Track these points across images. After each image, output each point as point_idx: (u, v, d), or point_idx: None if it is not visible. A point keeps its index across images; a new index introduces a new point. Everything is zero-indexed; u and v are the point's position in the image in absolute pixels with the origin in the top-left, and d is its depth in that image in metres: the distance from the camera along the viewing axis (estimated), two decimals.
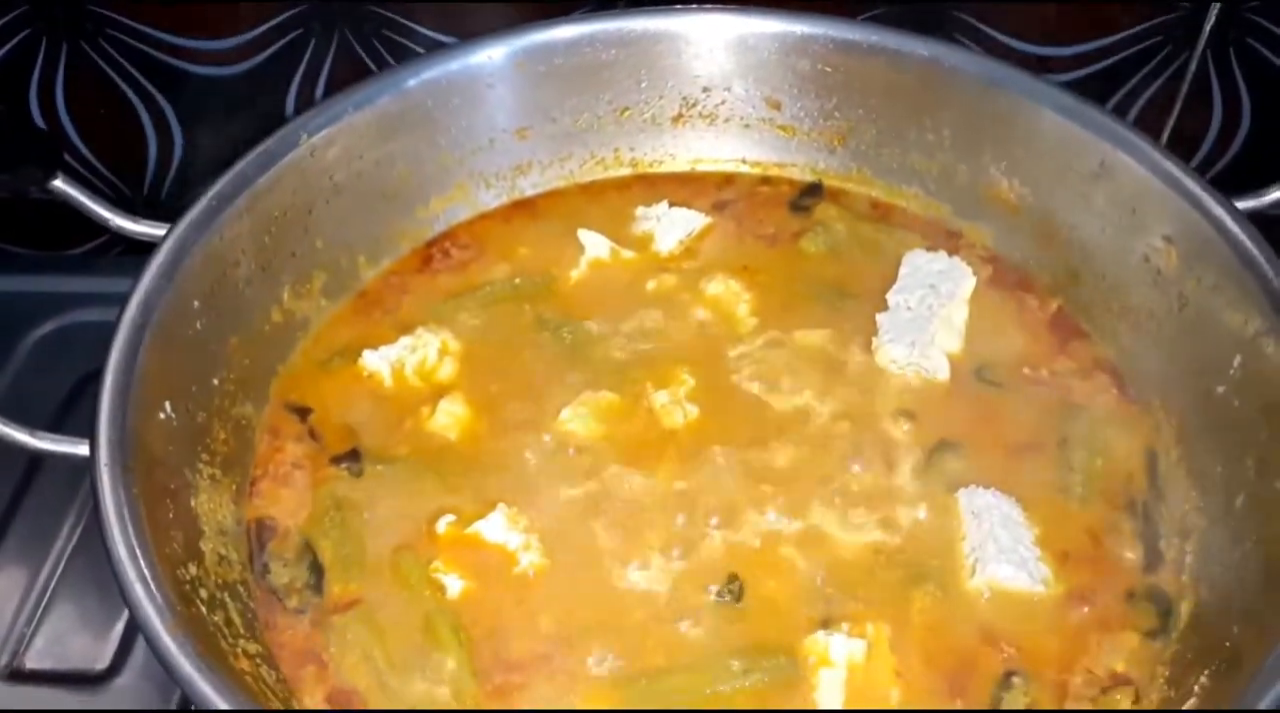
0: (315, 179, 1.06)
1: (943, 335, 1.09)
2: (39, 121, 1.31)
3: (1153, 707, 0.86)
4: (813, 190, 1.24)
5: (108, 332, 0.88)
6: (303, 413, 1.03)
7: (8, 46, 1.25)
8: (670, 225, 1.19)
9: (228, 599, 0.86)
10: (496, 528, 0.93)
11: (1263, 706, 0.71)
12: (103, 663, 1.00)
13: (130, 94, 1.30)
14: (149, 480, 0.83)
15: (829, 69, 1.19)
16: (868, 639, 0.88)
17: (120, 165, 1.37)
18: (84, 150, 1.35)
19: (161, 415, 0.88)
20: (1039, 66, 1.28)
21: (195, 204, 0.98)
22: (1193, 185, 1.03)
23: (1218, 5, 1.26)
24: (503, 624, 0.90)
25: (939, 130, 1.18)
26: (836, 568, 0.93)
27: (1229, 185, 1.04)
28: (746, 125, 1.25)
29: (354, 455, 0.99)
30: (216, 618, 0.83)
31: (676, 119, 1.24)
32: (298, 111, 1.09)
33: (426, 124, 1.13)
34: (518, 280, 1.14)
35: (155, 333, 0.89)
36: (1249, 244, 0.98)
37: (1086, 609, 0.92)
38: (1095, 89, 1.31)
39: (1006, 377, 1.07)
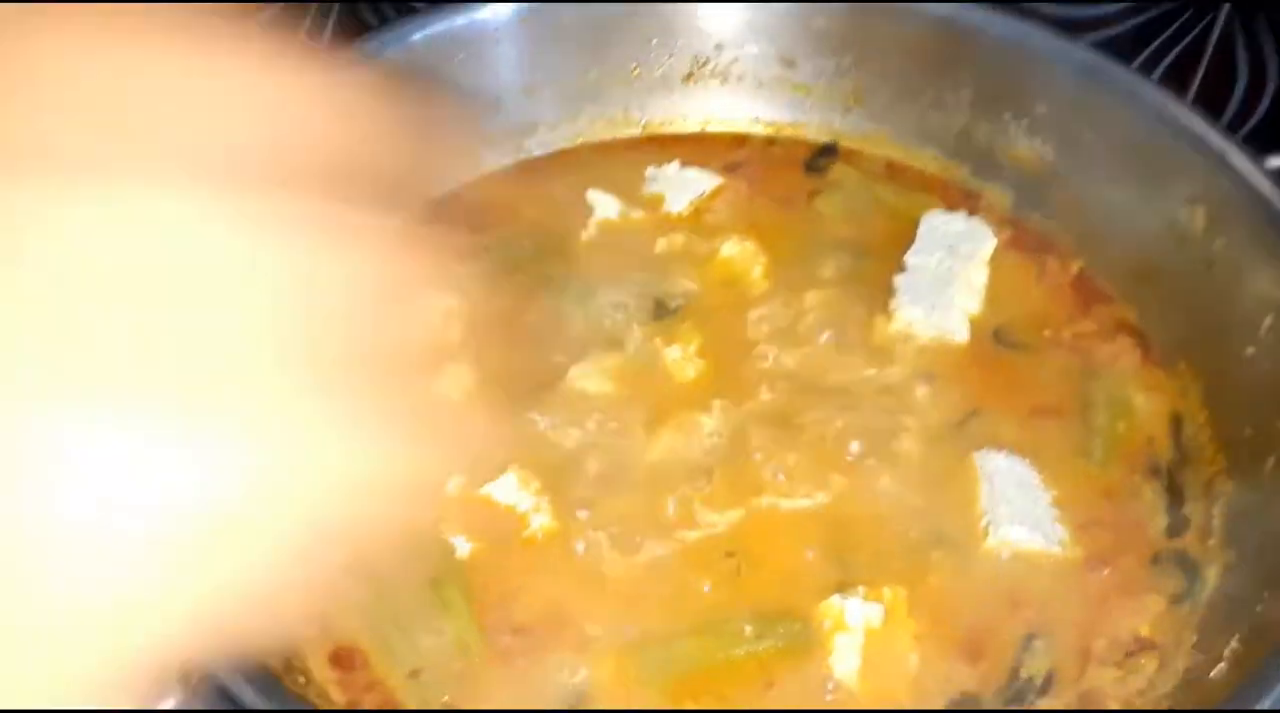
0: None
1: (962, 297, 1.07)
2: None
3: (1179, 670, 0.83)
4: (827, 151, 1.22)
5: None
6: None
7: None
8: (681, 186, 1.16)
9: None
10: (508, 490, 0.91)
11: None
12: None
13: None
14: None
15: (845, 26, 1.17)
16: (885, 603, 0.86)
17: None
18: None
19: None
20: (1061, 28, 1.25)
21: None
22: (1220, 143, 1.00)
23: None
24: (511, 587, 0.88)
25: (957, 90, 1.16)
26: (851, 530, 0.91)
27: (1257, 147, 1.02)
28: (760, 84, 1.22)
29: None
30: None
31: (688, 78, 1.22)
32: None
33: (431, 81, 1.10)
34: (525, 242, 1.11)
35: None
36: (1278, 202, 0.95)
37: (1109, 573, 0.90)
38: (1119, 50, 1.28)
39: (1027, 339, 1.05)
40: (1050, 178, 1.13)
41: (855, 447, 0.96)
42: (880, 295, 1.07)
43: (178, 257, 0.29)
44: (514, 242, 1.12)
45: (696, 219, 1.14)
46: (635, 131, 1.23)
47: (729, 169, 1.19)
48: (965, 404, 1.00)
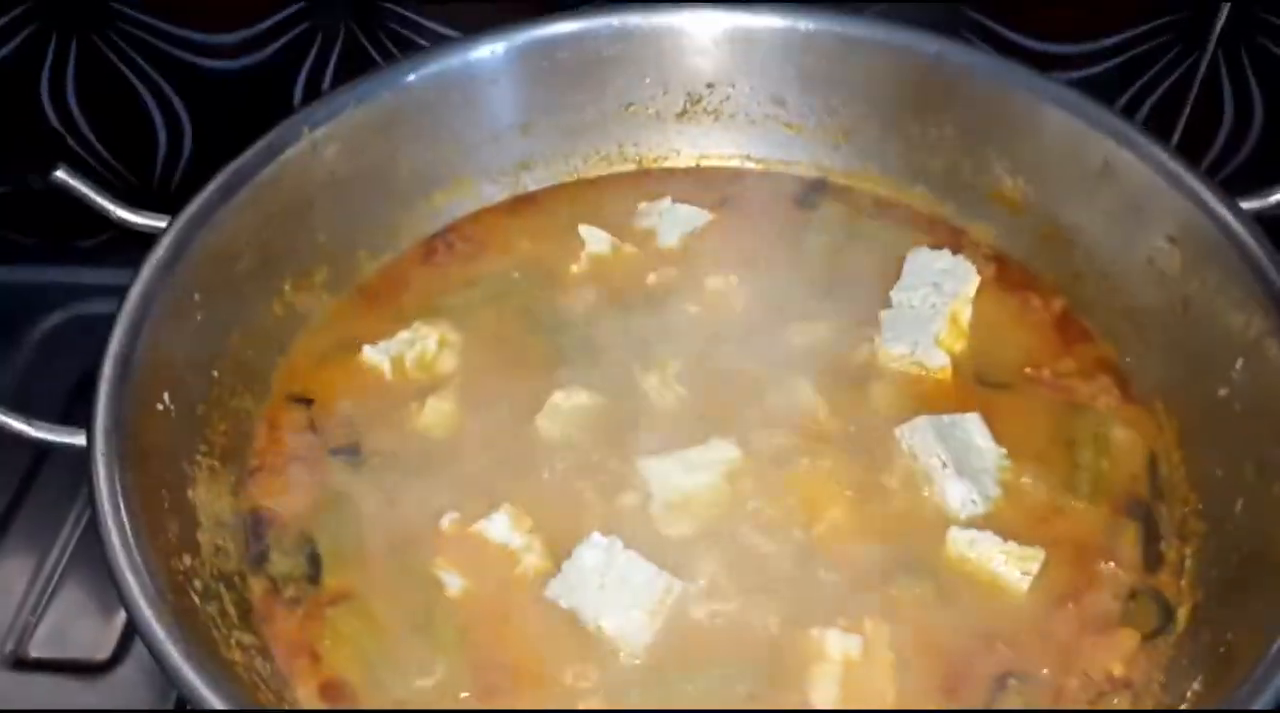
0: (316, 173, 1.07)
1: (946, 334, 1.09)
2: (51, 114, 1.32)
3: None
4: (817, 187, 1.24)
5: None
6: (305, 403, 1.03)
7: (19, 38, 1.26)
8: (673, 221, 1.19)
9: (223, 590, 0.87)
10: (500, 528, 0.93)
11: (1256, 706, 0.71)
12: (104, 653, 1.01)
13: (140, 87, 1.30)
14: (145, 471, 0.84)
15: (833, 66, 1.19)
16: (865, 636, 0.88)
17: (130, 159, 1.38)
18: (95, 143, 1.36)
19: (160, 407, 0.89)
20: (1047, 64, 1.27)
21: (195, 198, 0.98)
22: (1197, 185, 1.02)
23: (1229, 4, 1.25)
24: (498, 626, 0.90)
25: (943, 127, 1.18)
26: (832, 562, 0.93)
27: (1241, 186, 1.04)
28: (752, 122, 1.25)
29: (353, 449, 0.99)
30: (210, 609, 0.83)
31: (681, 115, 1.24)
32: (304, 105, 1.09)
33: (428, 119, 1.13)
34: (517, 274, 1.14)
35: (154, 325, 0.90)
36: (1253, 245, 0.97)
37: (1086, 610, 0.92)
38: (1105, 88, 1.30)
39: (1009, 377, 1.07)
40: (1033, 215, 1.16)
41: (832, 478, 0.98)
42: (866, 330, 1.09)
43: None
44: (506, 274, 1.14)
45: (687, 254, 1.17)
46: (630, 167, 1.26)
47: (721, 204, 1.22)
48: None
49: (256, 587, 0.91)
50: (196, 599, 0.82)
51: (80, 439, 0.83)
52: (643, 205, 1.20)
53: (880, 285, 1.12)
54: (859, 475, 0.98)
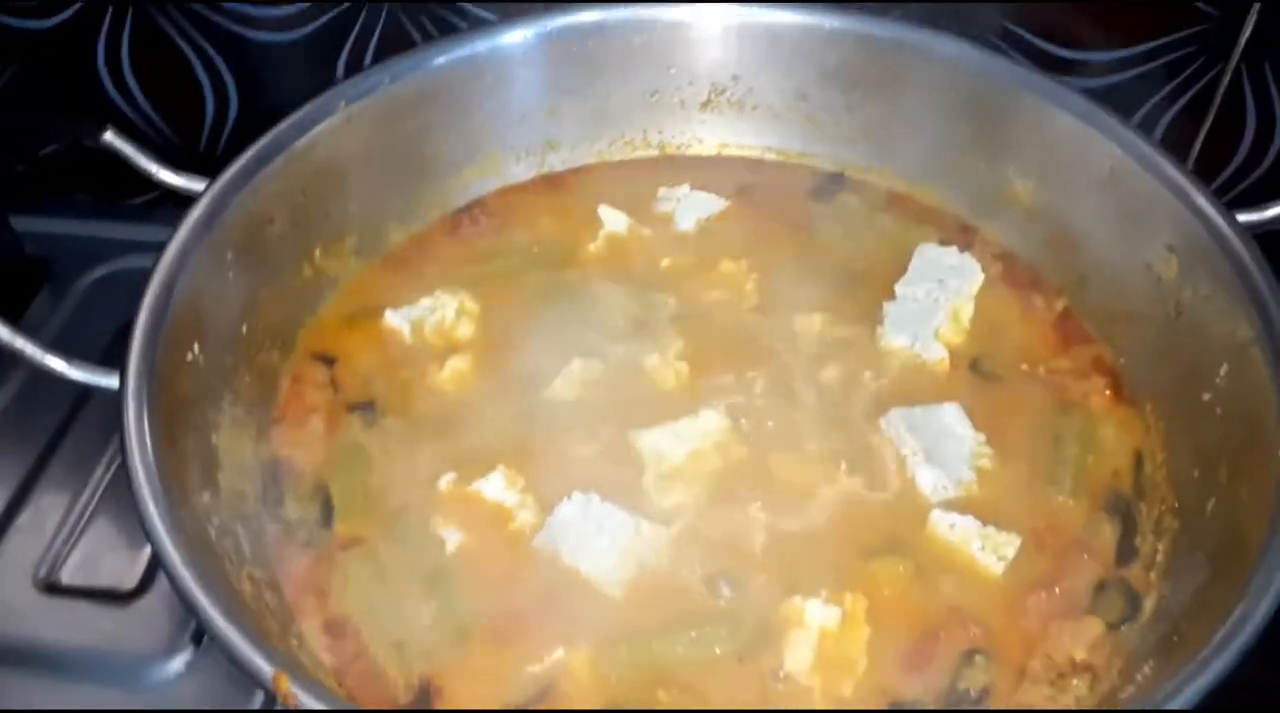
0: (350, 145, 1.12)
1: (947, 328, 1.13)
2: (105, 79, 1.38)
3: (1103, 691, 0.89)
4: (834, 180, 1.28)
5: None
6: (329, 361, 1.09)
7: (77, 5, 1.33)
8: (690, 207, 1.23)
9: (239, 528, 0.93)
10: (495, 487, 0.98)
11: (1187, 692, 0.75)
12: (131, 583, 1.07)
13: (191, 56, 1.37)
14: (172, 414, 0.90)
15: (855, 65, 1.23)
16: (845, 608, 0.92)
17: (179, 124, 1.44)
18: (146, 108, 1.42)
19: (190, 356, 0.95)
20: (1071, 70, 1.30)
21: (234, 162, 1.04)
22: (1197, 196, 1.05)
23: (1254, 16, 1.27)
24: (496, 579, 0.95)
25: (959, 128, 1.21)
26: (816, 535, 0.97)
27: (1261, 199, 1.06)
28: (774, 114, 1.29)
29: (369, 406, 1.05)
30: (226, 543, 0.89)
31: (705, 105, 1.29)
32: (342, 81, 1.14)
33: (460, 99, 1.18)
34: (537, 249, 1.19)
35: (189, 280, 0.96)
36: (1244, 255, 1.00)
37: (1056, 597, 0.95)
38: (1127, 97, 1.32)
39: (1004, 371, 1.11)
40: (1042, 218, 1.19)
41: (823, 454, 1.02)
42: (868, 320, 1.13)
43: None
44: (527, 249, 1.20)
45: (702, 238, 1.22)
46: (652, 153, 1.30)
47: (739, 192, 1.26)
48: None
49: (271, 528, 0.97)
50: (213, 533, 0.88)
51: (114, 381, 0.89)
52: (662, 190, 1.25)
53: (887, 278, 1.15)
54: (849, 458, 1.02)
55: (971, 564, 0.97)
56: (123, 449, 0.84)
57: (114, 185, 1.49)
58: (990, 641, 0.93)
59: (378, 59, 1.33)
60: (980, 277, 1.16)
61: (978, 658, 0.92)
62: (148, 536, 0.80)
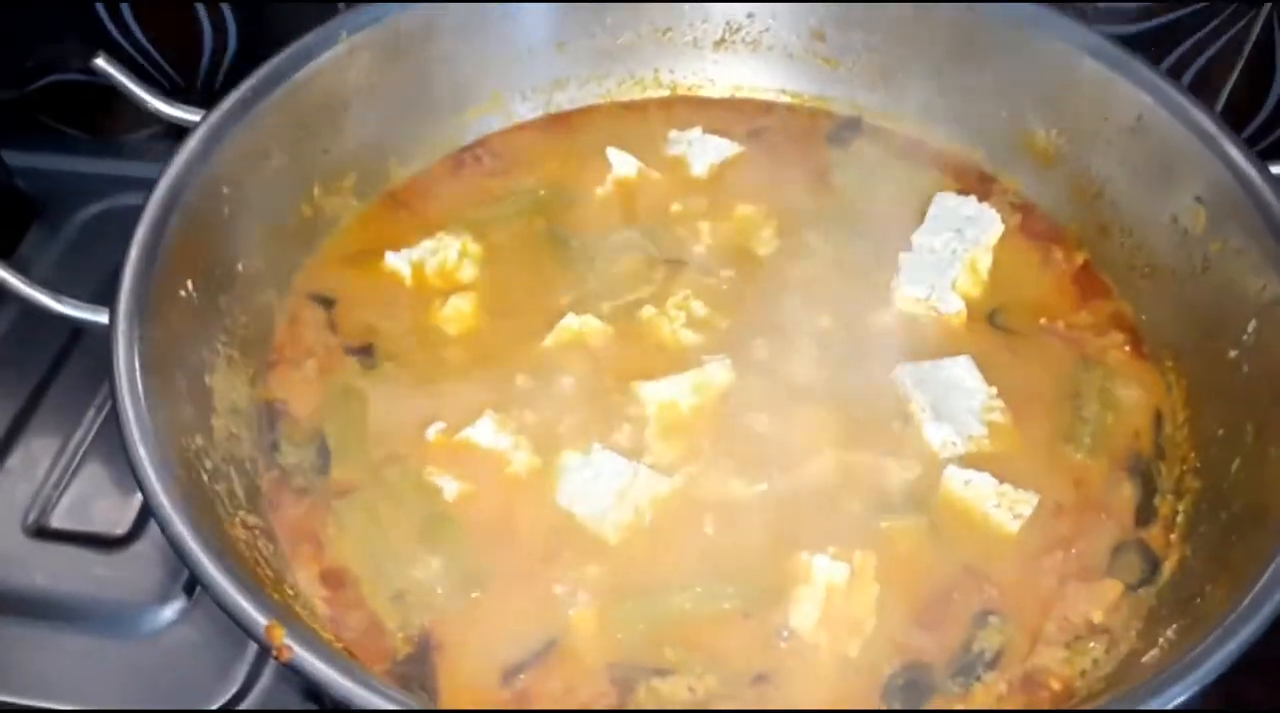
0: (352, 79, 1.08)
1: (964, 280, 1.09)
2: (101, 12, 1.34)
3: (1121, 655, 0.86)
4: (850, 125, 1.24)
5: None
6: (327, 303, 1.06)
7: None
8: (702, 151, 1.19)
9: (233, 473, 0.90)
10: (485, 433, 0.96)
11: (1212, 662, 0.72)
12: (122, 528, 1.04)
13: None
14: (164, 353, 0.87)
15: (876, 5, 1.19)
16: (853, 565, 0.90)
17: (177, 57, 1.39)
18: (142, 40, 1.37)
19: (183, 293, 0.92)
20: (1096, 18, 1.26)
21: (231, 93, 1.00)
22: (1229, 146, 1.01)
23: None
24: (499, 524, 0.92)
25: (981, 74, 1.17)
26: (824, 491, 0.95)
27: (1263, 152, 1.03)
28: (790, 55, 1.24)
29: (368, 350, 1.02)
30: (219, 488, 0.86)
31: (719, 44, 1.24)
32: (345, 11, 1.10)
33: (465, 32, 1.14)
34: (543, 192, 1.15)
35: (183, 214, 0.92)
36: (1277, 208, 0.96)
37: (1073, 557, 0.93)
38: (1155, 45, 1.28)
39: (1022, 325, 1.08)
40: (1064, 167, 1.15)
41: (838, 410, 0.99)
42: (885, 270, 1.10)
43: None
44: (533, 191, 1.16)
45: (714, 183, 1.18)
46: (663, 93, 1.26)
47: (752, 136, 1.22)
48: None
49: (266, 473, 0.94)
50: (205, 477, 0.85)
51: (104, 318, 0.86)
52: (673, 133, 1.21)
53: (904, 227, 1.12)
54: (861, 413, 1.00)
55: (986, 522, 0.94)
56: (111, 387, 0.81)
57: (109, 121, 1.45)
58: (1005, 601, 0.90)
59: None
60: (999, 227, 1.12)
61: (992, 619, 0.89)
62: (137, 479, 0.77)
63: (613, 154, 1.17)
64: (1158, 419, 1.02)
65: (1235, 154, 1.00)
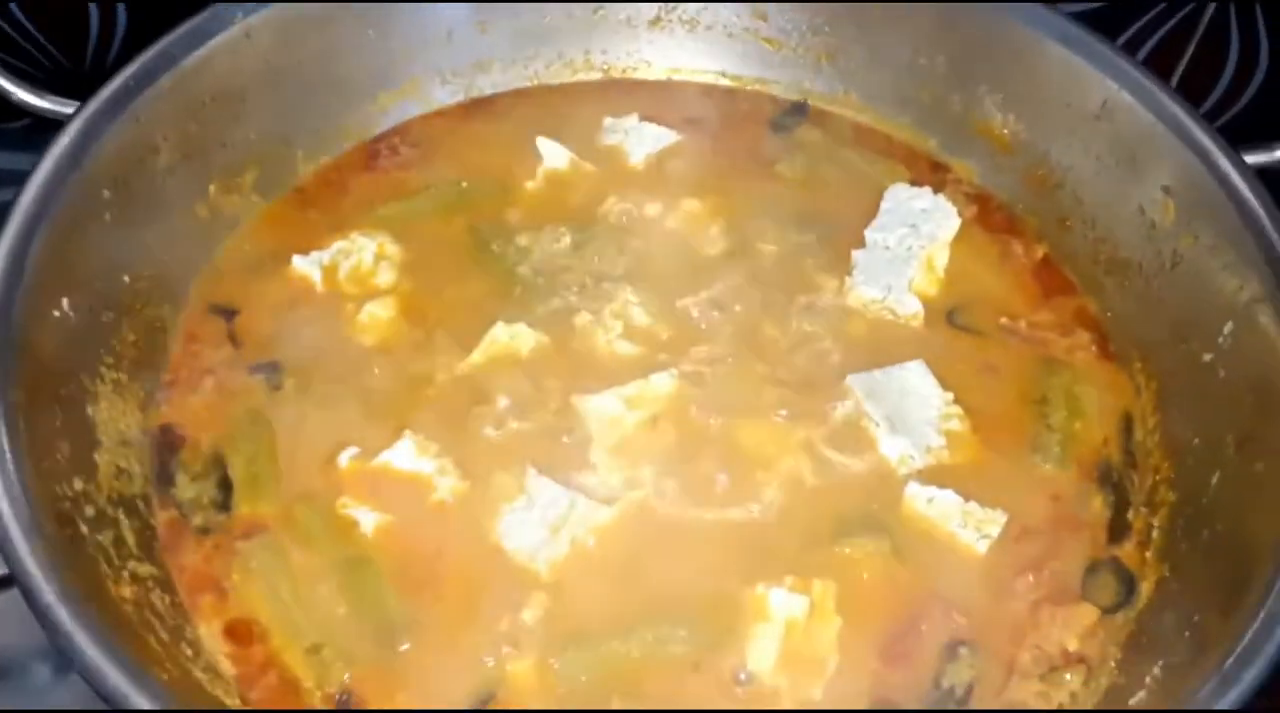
0: (250, 64, 0.98)
1: (920, 278, 1.03)
2: None
3: (1101, 689, 0.81)
4: (795, 110, 1.16)
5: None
6: (228, 314, 0.96)
7: None
8: (639, 139, 1.11)
9: (121, 516, 0.80)
10: (405, 456, 0.87)
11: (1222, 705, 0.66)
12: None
13: None
14: (34, 386, 0.76)
15: None
16: (812, 597, 0.83)
17: (62, 39, 1.27)
18: (21, 19, 1.25)
19: (56, 313, 0.81)
20: None
21: (109, 83, 0.89)
22: (1200, 134, 0.95)
23: None
24: (423, 563, 0.83)
25: (934, 56, 1.11)
26: (779, 514, 0.88)
27: (1236, 136, 0.97)
28: (729, 34, 1.17)
29: (274, 367, 0.92)
30: (103, 538, 0.77)
31: (654, 23, 1.16)
32: None
33: (377, 11, 1.04)
34: (465, 185, 1.06)
35: (55, 222, 0.82)
36: (1254, 202, 0.91)
37: (1045, 580, 0.87)
38: (1104, 24, 1.22)
39: (982, 324, 1.01)
40: (1022, 155, 1.09)
41: (791, 425, 0.92)
42: (837, 269, 1.02)
43: None
44: (454, 184, 1.06)
45: (650, 176, 1.09)
46: (595, 76, 1.17)
47: (691, 123, 1.14)
48: None
49: (161, 513, 0.84)
50: (85, 528, 0.75)
51: None
52: (608, 120, 1.12)
53: (855, 221, 1.05)
54: (814, 425, 0.92)
55: (952, 543, 0.88)
56: None
57: None
58: (975, 631, 0.84)
59: None
60: (956, 221, 1.06)
61: (962, 651, 0.83)
62: None
63: (543, 144, 1.08)
64: (1127, 424, 0.96)
65: (1206, 142, 0.95)
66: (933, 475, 0.90)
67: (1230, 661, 0.68)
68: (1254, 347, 0.88)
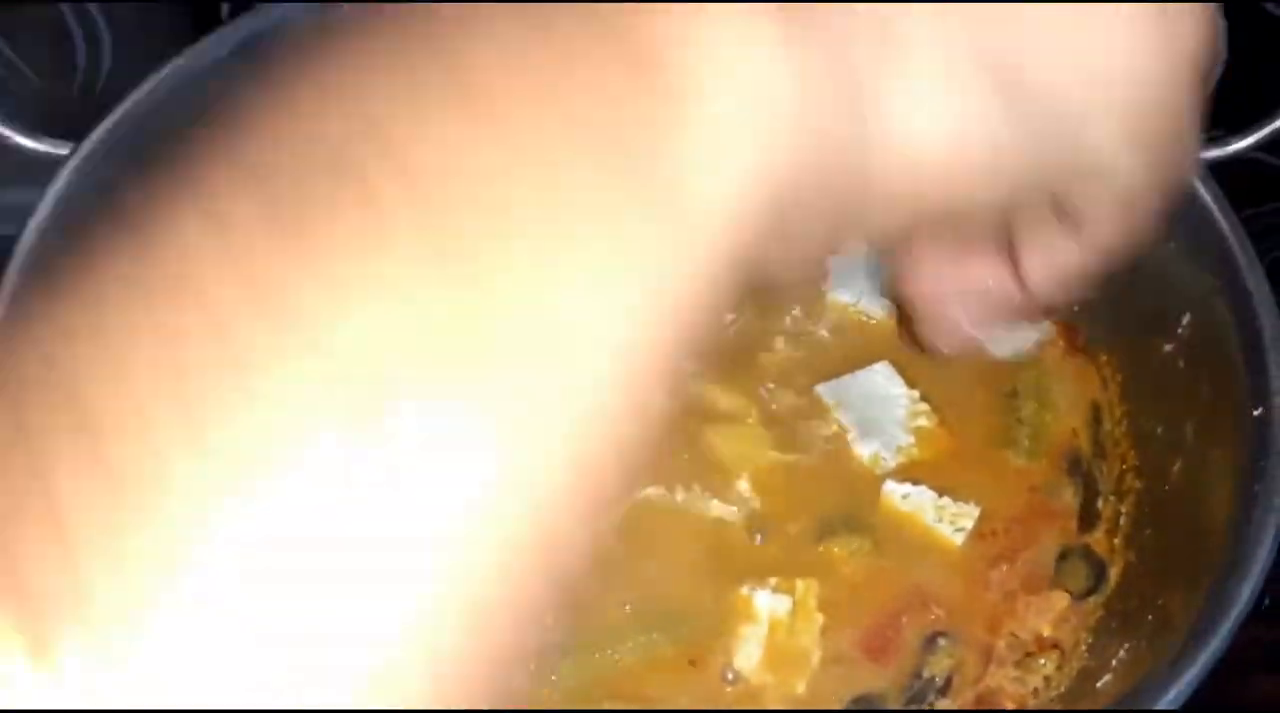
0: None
1: (890, 282, 1.05)
2: None
3: (1073, 672, 0.84)
4: None
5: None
6: None
7: None
8: None
9: None
10: None
11: (1177, 686, 0.69)
12: None
13: None
14: None
15: None
16: (795, 596, 0.86)
17: (48, 74, 1.30)
18: (10, 55, 1.28)
19: None
20: None
21: (103, 121, 0.92)
22: None
23: None
24: None
25: None
26: (758, 517, 0.91)
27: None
28: None
29: None
30: None
31: None
32: (233, 14, 1.01)
33: None
34: None
35: (48, 279, 0.84)
36: (1207, 199, 0.94)
37: (1019, 569, 0.91)
38: None
39: None
40: None
41: (776, 437, 0.95)
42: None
43: None
44: None
45: None
46: None
47: None
48: None
49: None
50: None
51: None
52: None
53: None
54: (792, 428, 0.96)
55: (929, 537, 0.91)
56: None
57: None
58: (953, 621, 0.88)
59: None
60: None
61: (941, 642, 0.87)
62: None
63: None
64: (1096, 415, 1.00)
65: None
66: (904, 472, 0.93)
67: (1186, 639, 0.72)
68: (1210, 337, 0.91)
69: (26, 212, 0.86)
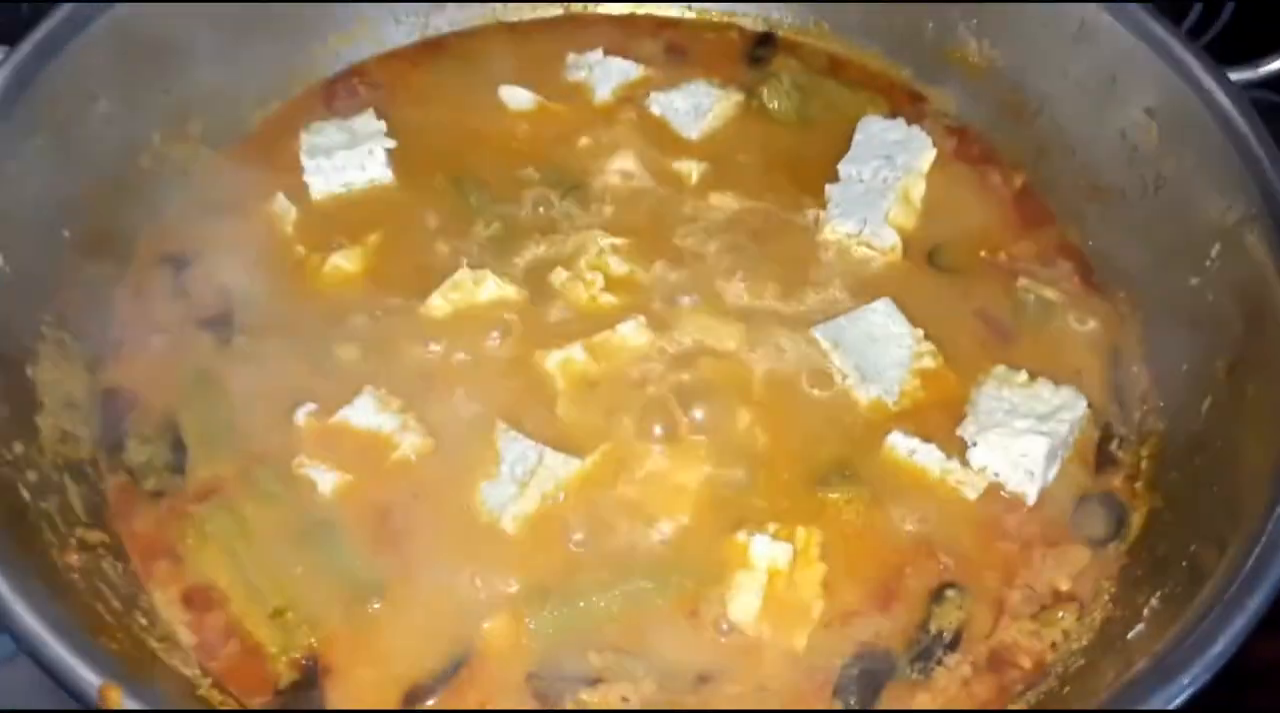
0: (188, 7, 0.93)
1: (897, 211, 0.99)
2: None
3: (1096, 624, 0.78)
4: (764, 41, 1.13)
5: None
6: (178, 265, 0.91)
7: None
8: (605, 74, 1.06)
9: (68, 481, 0.76)
10: (365, 413, 0.83)
11: (1221, 642, 0.63)
12: None
13: None
14: None
15: None
16: (796, 544, 0.80)
17: None
18: None
19: None
20: None
21: (40, 25, 0.84)
22: (1182, 53, 0.92)
23: None
24: (387, 522, 0.80)
25: None
26: (759, 462, 0.84)
27: (1218, 55, 0.93)
28: None
29: (224, 320, 0.88)
30: (47, 504, 0.73)
31: None
32: None
33: None
34: (437, 131, 1.01)
35: None
36: (1240, 120, 0.88)
37: (1036, 515, 0.84)
38: None
39: (963, 260, 0.98)
40: (998, 81, 1.05)
41: (768, 366, 0.89)
42: (810, 204, 0.99)
43: None
44: (425, 132, 1.01)
45: (620, 114, 1.05)
46: (555, 11, 1.13)
47: (657, 57, 1.10)
48: None
49: (111, 477, 0.80)
50: (27, 494, 0.71)
51: None
52: (571, 56, 1.08)
53: (829, 155, 1.01)
54: (791, 369, 0.89)
55: (938, 487, 0.85)
56: None
57: None
58: (963, 572, 0.81)
59: None
60: (932, 151, 1.02)
61: (950, 593, 0.80)
62: None
63: (505, 92, 1.04)
64: (1113, 357, 0.94)
65: (1189, 60, 0.92)
66: (908, 416, 0.87)
67: (1233, 589, 0.66)
68: (1242, 268, 0.85)
69: None
